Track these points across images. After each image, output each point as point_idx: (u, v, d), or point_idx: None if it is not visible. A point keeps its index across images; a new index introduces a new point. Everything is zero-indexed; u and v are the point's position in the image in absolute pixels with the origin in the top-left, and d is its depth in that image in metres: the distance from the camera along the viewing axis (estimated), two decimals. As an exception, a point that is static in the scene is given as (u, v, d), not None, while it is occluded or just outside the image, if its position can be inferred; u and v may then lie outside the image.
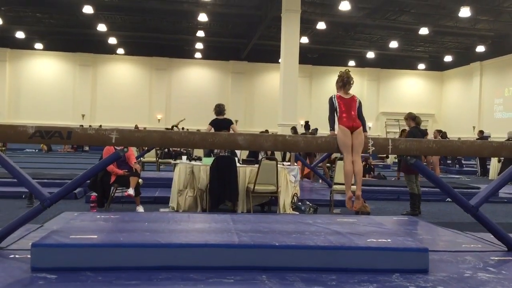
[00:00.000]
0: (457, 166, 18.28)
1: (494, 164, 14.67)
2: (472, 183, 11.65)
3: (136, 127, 18.67)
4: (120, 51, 27.00)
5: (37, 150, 22.07)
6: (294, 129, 13.28)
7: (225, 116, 7.62)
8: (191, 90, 27.52)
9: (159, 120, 27.19)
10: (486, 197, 4.17)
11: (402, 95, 29.13)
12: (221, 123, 7.26)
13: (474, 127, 24.56)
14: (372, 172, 13.11)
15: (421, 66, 28.94)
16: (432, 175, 4.30)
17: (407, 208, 7.71)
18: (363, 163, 13.47)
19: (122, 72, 27.70)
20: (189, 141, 4.04)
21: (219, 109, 7.48)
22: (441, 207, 8.40)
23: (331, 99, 4.41)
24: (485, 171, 15.88)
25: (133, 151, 7.11)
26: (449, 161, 18.73)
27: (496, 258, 3.99)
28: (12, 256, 3.65)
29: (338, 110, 4.35)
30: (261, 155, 8.10)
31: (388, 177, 13.31)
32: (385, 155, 18.22)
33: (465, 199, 4.22)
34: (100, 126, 21.97)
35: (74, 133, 3.85)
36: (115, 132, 3.87)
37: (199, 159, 7.57)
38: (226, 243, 3.59)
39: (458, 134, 22.93)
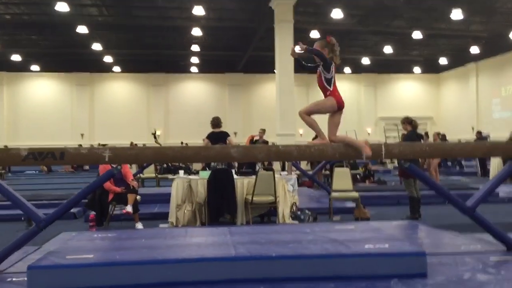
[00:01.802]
0: (458, 167, 18.25)
1: (494, 165, 14.63)
2: (472, 184, 11.62)
3: (132, 144, 18.69)
4: (116, 69, 27.10)
5: (37, 172, 22.10)
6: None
7: (221, 129, 7.65)
8: (189, 104, 27.57)
9: (158, 136, 27.18)
10: (482, 197, 4.16)
11: (399, 99, 29.16)
12: (217, 136, 7.29)
13: (473, 128, 24.54)
14: (372, 178, 13.10)
15: (417, 69, 29.01)
16: (426, 178, 4.30)
17: (408, 212, 7.69)
18: (363, 169, 13.50)
19: (119, 90, 27.77)
20: (182, 155, 4.05)
21: (215, 122, 7.52)
22: (442, 210, 8.36)
23: (325, 57, 4.06)
24: (485, 172, 15.83)
25: (129, 168, 7.11)
26: (449, 163, 18.70)
27: (495, 259, 3.98)
28: (9, 279, 3.64)
29: (333, 80, 4.18)
30: (258, 166, 8.11)
31: (389, 182, 13.30)
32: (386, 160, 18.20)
33: (461, 200, 4.21)
34: (99, 144, 22.00)
35: (67, 154, 3.86)
36: (108, 151, 3.88)
37: (197, 173, 7.58)
38: (223, 256, 3.59)
39: (458, 136, 22.92)
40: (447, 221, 7.19)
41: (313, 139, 4.37)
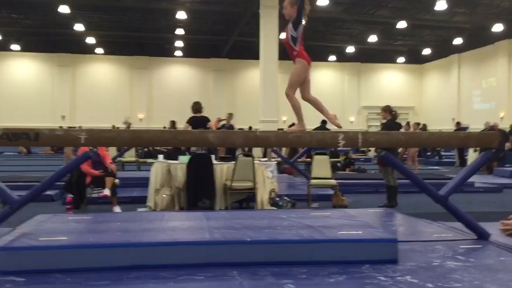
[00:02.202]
0: (437, 157, 18.52)
1: (472, 155, 14.90)
2: (449, 174, 11.82)
3: (113, 127, 18.49)
4: (99, 50, 26.73)
5: (16, 153, 21.80)
6: None
7: (203, 114, 7.66)
8: (173, 88, 27.37)
9: (140, 119, 26.98)
10: (455, 186, 4.23)
11: (382, 88, 29.36)
12: (198, 121, 7.32)
13: (453, 119, 24.88)
14: (352, 166, 13.22)
15: (401, 59, 29.20)
16: (401, 166, 4.35)
17: (385, 200, 7.80)
18: (344, 157, 13.63)
19: (102, 72, 27.42)
20: (159, 139, 4.03)
21: (196, 107, 7.54)
22: (418, 198, 8.47)
23: (300, 23, 4.02)
24: (463, 162, 16.12)
25: (107, 151, 7.06)
26: (428, 153, 18.96)
27: (465, 247, 4.06)
28: (-19, 260, 3.61)
29: (299, 39, 4.12)
30: (238, 152, 8.12)
31: (369, 171, 13.44)
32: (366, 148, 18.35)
33: (434, 189, 4.27)
34: (80, 127, 21.74)
35: (41, 135, 3.80)
36: (84, 133, 3.84)
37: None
38: (197, 241, 3.60)
39: (439, 126, 23.22)
40: (423, 209, 7.31)
41: (289, 126, 4.43)
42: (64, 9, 18.49)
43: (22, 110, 25.34)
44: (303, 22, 4.16)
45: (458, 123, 16.60)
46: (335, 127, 4.32)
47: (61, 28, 22.77)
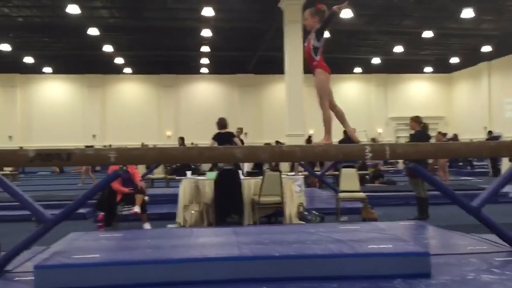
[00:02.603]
0: (469, 167, 18.08)
1: (505, 164, 14.51)
2: (482, 185, 11.53)
3: (142, 145, 18.83)
4: (128, 70, 27.31)
5: (50, 173, 22.36)
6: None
7: (228, 130, 7.70)
8: (199, 105, 27.67)
9: (168, 136, 27.34)
10: (488, 197, 4.13)
11: (410, 99, 28.99)
12: (223, 137, 7.34)
13: (485, 128, 24.33)
14: (381, 178, 13.04)
15: (428, 69, 28.81)
16: (431, 178, 4.28)
17: (415, 213, 7.66)
18: (372, 169, 13.47)
19: (131, 91, 27.99)
20: (186, 156, 4.09)
21: (222, 123, 7.58)
22: (450, 210, 8.29)
23: (323, 33, 4.07)
24: (496, 172, 15.70)
25: (136, 169, 7.18)
26: (460, 163, 18.55)
27: (500, 259, 3.95)
28: (17, 278, 3.70)
29: (320, 50, 4.15)
30: (265, 167, 8.13)
31: (399, 182, 13.23)
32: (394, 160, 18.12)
33: (466, 200, 4.18)
34: (110, 145, 22.17)
35: (73, 155, 3.91)
36: (113, 152, 3.93)
37: (205, 174, 7.63)
38: (226, 256, 3.61)
39: (470, 136, 22.71)
40: (455, 221, 7.15)
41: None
42: (93, 31, 19.03)
43: (55, 131, 26.03)
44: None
45: (490, 132, 16.23)
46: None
47: (90, 49, 23.39)
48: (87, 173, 15.52)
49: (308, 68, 4.34)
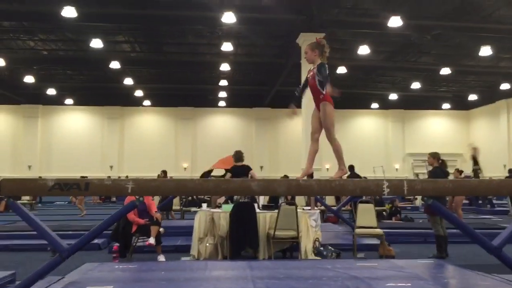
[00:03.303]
0: (489, 206, 17.71)
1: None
2: (503, 223, 11.26)
3: (159, 176, 18.86)
4: (147, 102, 27.78)
5: (66, 202, 22.51)
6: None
7: (244, 163, 7.72)
8: (216, 137, 27.85)
9: (185, 168, 27.47)
10: (509, 236, 4.02)
11: (428, 135, 28.81)
12: (239, 170, 7.35)
13: (505, 166, 23.93)
14: (398, 215, 12.83)
15: (446, 105, 28.72)
16: (451, 215, 4.20)
17: (434, 251, 7.49)
18: (389, 205, 13.28)
19: (149, 123, 28.36)
20: (203, 188, 4.09)
21: (238, 156, 7.60)
22: (470, 248, 8.11)
23: (325, 67, 4.14)
24: (517, 210, 15.34)
25: (153, 200, 7.19)
26: (480, 202, 18.19)
27: (523, 301, 3.82)
28: (31, 308, 3.69)
29: (328, 84, 4.18)
30: (281, 200, 8.08)
31: (416, 219, 13.00)
32: (412, 197, 17.86)
33: (487, 239, 4.08)
34: (126, 176, 22.33)
35: (91, 185, 3.94)
36: (131, 182, 3.95)
37: (220, 206, 7.59)
38: (241, 291, 3.57)
39: (489, 173, 22.32)
40: (475, 261, 6.97)
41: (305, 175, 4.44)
42: (115, 65, 19.52)
43: (74, 161, 26.36)
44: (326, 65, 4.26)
45: (510, 170, 15.95)
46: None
47: (111, 82, 23.94)
48: (80, 204, 15.72)
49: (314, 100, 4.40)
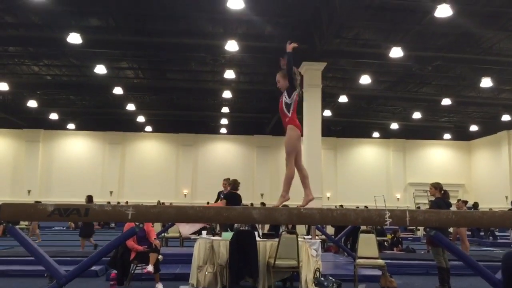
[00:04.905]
0: (491, 238, 17.54)
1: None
2: (507, 256, 11.11)
3: (159, 202, 18.81)
4: (148, 128, 27.88)
5: (65, 228, 22.33)
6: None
7: (238, 192, 8.14)
8: (217, 164, 27.82)
9: (185, 195, 27.36)
10: (513, 270, 3.97)
11: (429, 165, 28.79)
12: (233, 197, 7.71)
13: (506, 197, 23.82)
14: (400, 245, 12.69)
15: (447, 136, 28.79)
16: (453, 247, 4.16)
17: (437, 283, 7.37)
18: (391, 235, 13.14)
19: (150, 149, 28.40)
20: (204, 215, 4.05)
21: (235, 184, 7.97)
22: (473, 281, 8.00)
23: (293, 82, 4.28)
24: (520, 243, 15.18)
25: (153, 227, 7.13)
26: (482, 233, 18.03)
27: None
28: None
29: (292, 107, 4.28)
30: (281, 229, 8.01)
31: (418, 250, 12.86)
32: (414, 227, 17.71)
33: (490, 273, 4.03)
34: (126, 202, 22.22)
35: (91, 210, 3.92)
36: (131, 208, 3.93)
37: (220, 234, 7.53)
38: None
39: (490, 205, 22.23)
40: (479, 294, 6.86)
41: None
42: (118, 90, 19.66)
43: (74, 186, 26.26)
44: (297, 90, 4.40)
45: (512, 202, 15.88)
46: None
47: (113, 108, 24.08)
48: (34, 230, 15.50)
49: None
